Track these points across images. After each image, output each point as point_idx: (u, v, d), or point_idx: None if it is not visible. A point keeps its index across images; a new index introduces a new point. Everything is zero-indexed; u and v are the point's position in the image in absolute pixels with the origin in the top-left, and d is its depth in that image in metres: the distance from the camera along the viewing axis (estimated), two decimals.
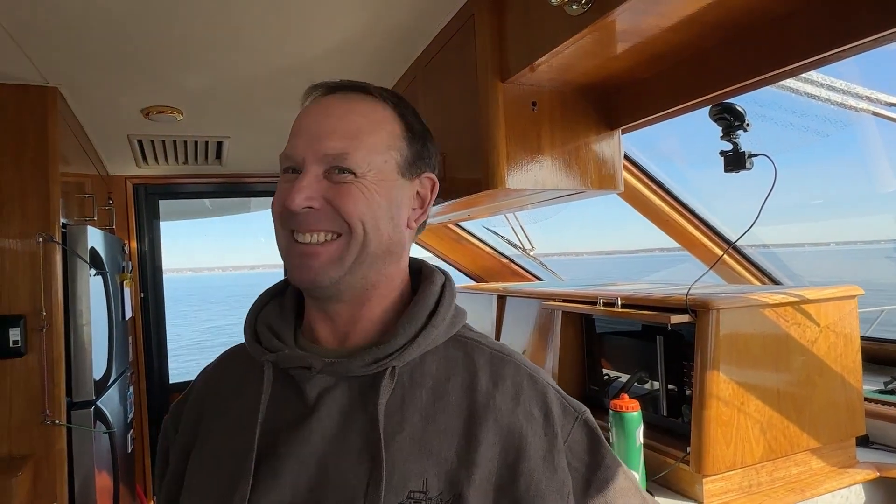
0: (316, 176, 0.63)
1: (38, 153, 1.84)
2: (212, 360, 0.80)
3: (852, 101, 1.41)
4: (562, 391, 0.69)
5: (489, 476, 0.60)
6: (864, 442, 1.59)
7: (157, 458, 0.79)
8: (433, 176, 0.72)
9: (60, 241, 1.86)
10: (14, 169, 1.82)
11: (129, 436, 2.59)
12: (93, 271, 2.00)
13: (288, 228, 0.65)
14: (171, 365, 3.47)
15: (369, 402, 0.62)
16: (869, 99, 1.39)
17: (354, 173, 0.63)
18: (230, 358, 0.77)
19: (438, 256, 3.33)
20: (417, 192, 0.70)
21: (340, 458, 0.60)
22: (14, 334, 1.75)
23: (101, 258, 2.15)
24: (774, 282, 2.17)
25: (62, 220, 1.90)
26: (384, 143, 0.66)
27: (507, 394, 0.65)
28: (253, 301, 0.75)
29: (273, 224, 0.67)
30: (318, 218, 0.63)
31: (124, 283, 2.64)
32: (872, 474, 1.44)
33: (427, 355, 0.66)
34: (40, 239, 1.81)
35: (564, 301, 1.87)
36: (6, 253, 1.79)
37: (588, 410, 0.69)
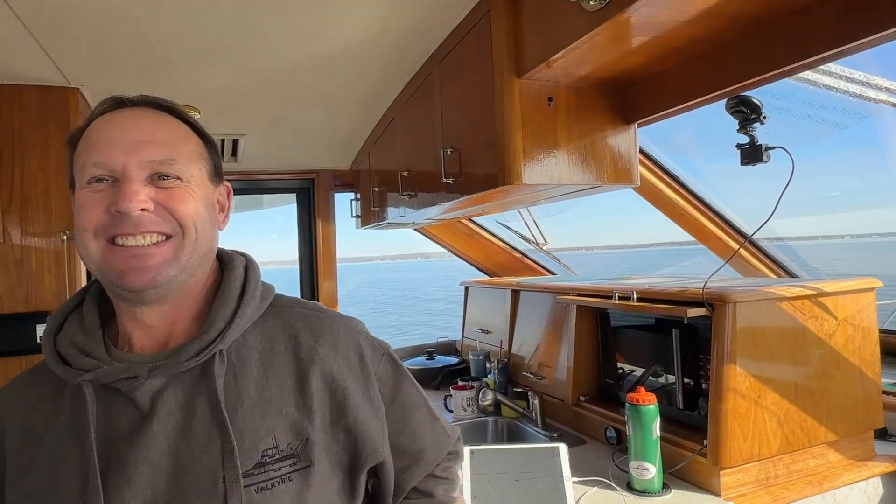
0: (141, 181, 0.66)
1: (62, 153, 1.88)
2: None
3: (871, 93, 1.40)
4: (370, 334, 0.81)
5: (324, 416, 0.70)
6: (882, 435, 1.59)
7: None
8: (229, 184, 0.80)
9: None
10: (38, 169, 1.86)
11: None
12: None
13: (105, 237, 0.66)
14: None
15: (205, 388, 0.67)
16: (888, 90, 1.38)
17: (181, 178, 0.69)
18: (25, 385, 0.71)
19: (452, 251, 3.34)
20: (217, 199, 0.77)
21: (191, 445, 0.64)
22: (40, 331, 1.79)
23: None
24: (791, 275, 2.16)
25: None
26: (195, 152, 0.72)
27: (328, 344, 0.74)
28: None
29: (78, 242, 0.68)
30: (151, 220, 0.66)
31: None
32: (891, 467, 1.43)
33: (247, 332, 0.72)
34: (64, 237, 1.85)
35: (579, 295, 1.88)
36: (32, 251, 1.83)
37: (390, 346, 0.82)
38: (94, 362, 0.66)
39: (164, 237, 0.67)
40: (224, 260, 0.78)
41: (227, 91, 2.07)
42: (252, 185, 3.61)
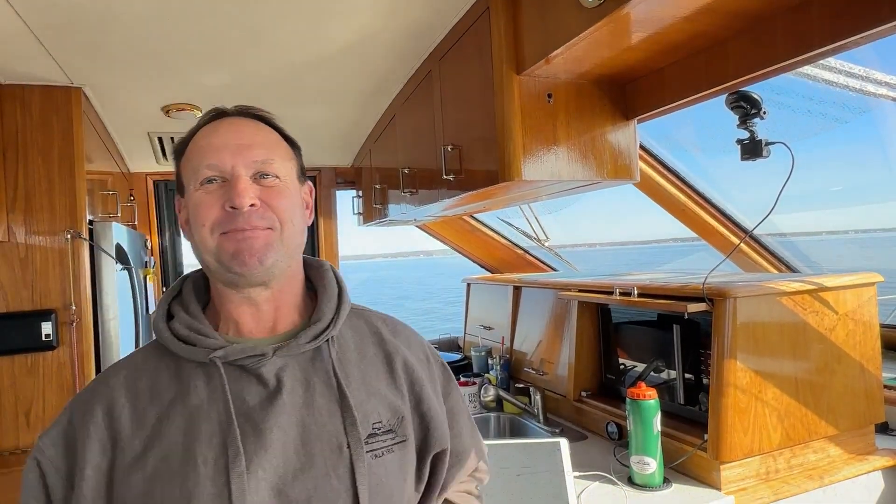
0: (248, 180, 0.74)
1: (65, 152, 1.89)
2: (90, 384, 0.77)
3: (871, 87, 1.40)
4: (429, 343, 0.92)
5: (409, 400, 0.80)
6: (883, 429, 1.59)
7: (32, 501, 0.72)
8: (311, 183, 0.88)
9: (87, 238, 1.91)
10: (42, 168, 1.87)
11: None
12: (118, 266, 2.06)
13: (219, 232, 0.73)
14: None
15: (320, 369, 0.76)
16: (888, 84, 1.38)
17: (278, 177, 0.77)
18: (129, 374, 0.75)
19: (453, 248, 3.35)
20: (304, 197, 0.84)
21: (315, 416, 0.72)
22: (46, 328, 1.81)
23: (125, 254, 2.21)
24: (792, 270, 2.16)
25: (88, 217, 1.95)
26: (287, 154, 0.81)
27: (404, 342, 0.86)
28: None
29: (195, 237, 0.75)
30: (258, 215, 0.74)
31: (147, 277, 2.70)
32: (892, 461, 1.44)
33: (342, 327, 0.82)
34: (68, 236, 1.86)
35: (580, 291, 1.88)
36: (37, 249, 1.85)
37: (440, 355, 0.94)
38: (217, 342, 0.74)
39: (268, 229, 0.74)
40: (308, 262, 0.86)
41: (228, 90, 2.08)
42: None
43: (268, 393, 0.72)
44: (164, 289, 3.36)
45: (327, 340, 0.77)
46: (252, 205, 0.73)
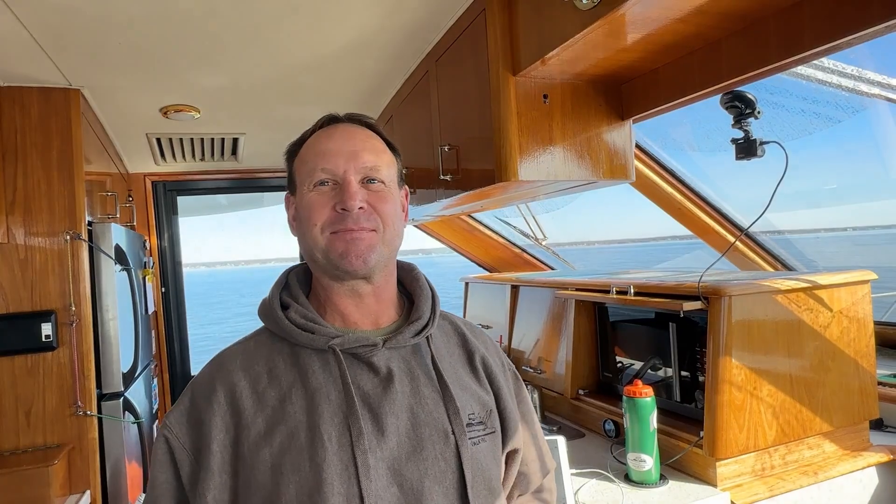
0: (357, 184, 0.81)
1: (64, 154, 1.90)
2: (207, 368, 0.82)
3: (864, 87, 1.41)
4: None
5: (491, 396, 0.86)
6: (878, 425, 1.61)
7: (162, 474, 0.76)
8: (407, 188, 0.93)
9: (87, 239, 1.92)
10: (41, 169, 1.88)
11: (154, 426, 2.67)
12: (118, 267, 2.07)
13: (329, 231, 0.80)
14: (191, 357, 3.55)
15: (420, 363, 0.82)
16: (881, 84, 1.39)
17: (384, 182, 0.83)
18: (245, 359, 0.80)
19: (451, 247, 3.36)
20: (402, 200, 0.90)
21: (422, 404, 0.79)
22: (46, 329, 1.82)
23: (124, 254, 2.21)
24: (787, 268, 2.17)
25: (87, 218, 1.96)
26: (390, 161, 0.87)
27: (483, 345, 0.92)
28: (265, 300, 0.85)
29: (307, 235, 0.81)
30: (365, 217, 0.80)
31: (146, 278, 2.71)
32: (886, 457, 1.45)
33: None
34: (68, 237, 1.87)
35: (577, 290, 1.89)
36: (36, 251, 1.86)
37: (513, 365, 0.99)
38: (334, 331, 0.80)
39: (372, 231, 0.81)
40: (399, 263, 0.92)
41: (226, 91, 2.09)
42: (252, 184, 3.63)
43: (380, 380, 0.78)
44: (163, 289, 3.37)
45: (427, 337, 0.84)
46: (360, 207, 0.79)
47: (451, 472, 0.76)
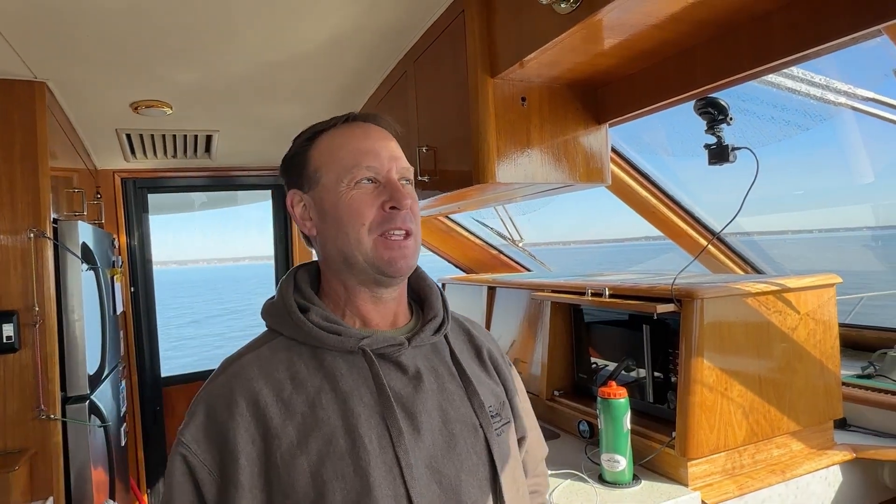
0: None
1: (27, 148, 1.83)
2: (220, 378, 0.76)
3: (831, 96, 1.45)
4: None
5: (501, 388, 0.89)
6: (842, 425, 1.65)
7: (182, 496, 0.71)
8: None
9: (52, 237, 1.86)
10: (2, 164, 1.81)
11: (122, 429, 2.60)
12: (84, 266, 2.01)
13: (378, 232, 0.78)
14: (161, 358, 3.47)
15: (441, 360, 0.83)
16: (847, 94, 1.43)
17: (413, 184, 0.83)
18: (263, 365, 0.76)
19: (429, 248, 3.35)
20: None
21: (450, 401, 0.79)
22: (7, 330, 1.75)
23: (91, 253, 2.15)
24: (757, 271, 2.22)
25: (52, 216, 1.90)
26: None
27: (486, 339, 0.95)
28: (275, 302, 0.82)
29: (349, 234, 0.78)
30: (409, 217, 0.80)
31: (115, 277, 2.64)
32: (849, 455, 1.49)
33: None
34: (31, 234, 1.81)
35: (553, 291, 1.91)
36: None
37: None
38: (361, 332, 0.78)
39: (409, 233, 0.80)
40: None
41: (200, 86, 2.05)
42: (226, 182, 3.57)
43: (408, 379, 0.77)
44: (133, 289, 3.29)
45: (445, 336, 0.84)
46: (409, 207, 0.79)
47: (482, 465, 0.77)
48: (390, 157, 0.80)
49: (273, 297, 0.84)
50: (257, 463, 0.70)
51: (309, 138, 0.83)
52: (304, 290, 0.82)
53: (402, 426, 0.73)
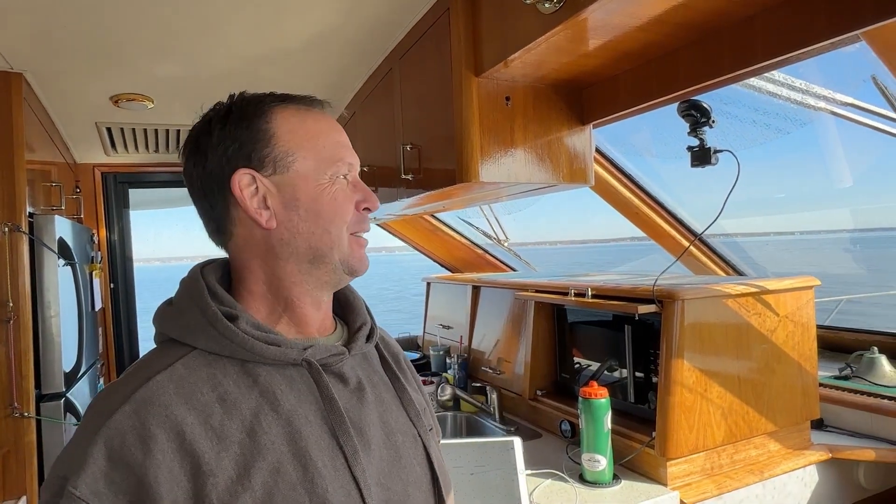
0: None
1: (2, 141, 1.79)
2: (125, 408, 0.60)
3: (811, 101, 1.47)
4: None
5: (420, 395, 0.85)
6: (818, 425, 1.67)
7: None
8: None
9: (27, 231, 1.82)
10: None
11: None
12: (61, 261, 1.97)
13: (352, 230, 0.73)
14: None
15: (372, 368, 0.78)
16: (826, 99, 1.45)
17: None
18: (184, 382, 0.63)
19: (414, 247, 3.34)
20: None
21: (389, 411, 0.75)
22: None
23: (69, 248, 2.11)
24: (738, 272, 2.24)
25: (29, 210, 1.86)
26: None
27: (398, 347, 0.89)
28: (182, 309, 0.68)
29: (329, 230, 0.71)
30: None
31: (94, 273, 2.59)
32: (825, 455, 1.51)
33: None
34: (6, 229, 1.76)
35: (537, 291, 1.91)
36: None
37: None
38: (301, 341, 0.70)
39: None
40: None
41: (182, 81, 2.02)
42: None
43: (351, 391, 0.72)
44: (112, 285, 3.23)
45: (376, 342, 0.80)
46: None
47: (425, 476, 0.75)
48: (354, 153, 0.76)
49: (172, 301, 0.71)
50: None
51: (262, 104, 0.71)
52: (221, 294, 0.69)
53: (356, 443, 0.67)
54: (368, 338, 0.78)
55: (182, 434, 0.60)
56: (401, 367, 0.85)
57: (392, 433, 0.73)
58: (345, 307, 0.81)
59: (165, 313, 0.70)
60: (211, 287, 0.69)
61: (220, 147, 0.69)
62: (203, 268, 0.72)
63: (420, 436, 0.76)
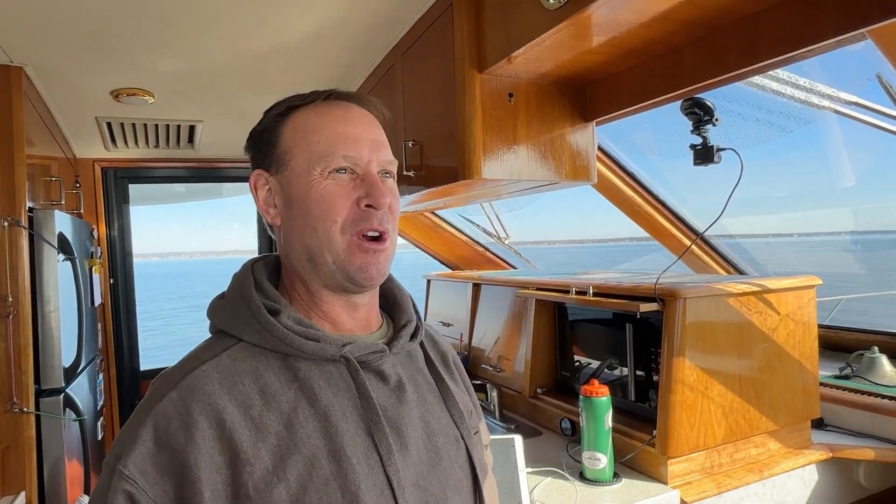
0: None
1: (2, 135, 1.78)
2: (171, 394, 0.63)
3: (815, 99, 1.46)
4: None
5: (467, 396, 0.84)
6: (819, 424, 1.67)
7: None
8: None
9: (27, 226, 1.81)
10: None
11: (99, 423, 2.56)
12: (61, 257, 1.96)
13: (352, 232, 0.69)
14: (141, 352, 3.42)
15: (416, 367, 0.77)
16: (830, 97, 1.44)
17: (394, 179, 0.75)
18: (228, 373, 0.65)
19: (414, 244, 3.33)
20: None
21: (431, 412, 0.74)
22: None
23: (69, 243, 2.10)
24: (739, 272, 2.24)
25: (28, 204, 1.85)
26: None
27: (448, 346, 0.88)
28: (232, 302, 0.71)
29: (318, 230, 0.69)
30: (387, 217, 0.71)
31: (93, 268, 2.59)
32: (825, 455, 1.51)
33: None
34: (6, 223, 1.76)
35: (538, 289, 1.90)
36: None
37: None
38: (341, 338, 0.70)
39: (384, 235, 0.71)
40: None
41: (183, 75, 2.01)
42: (210, 174, 3.52)
43: (391, 390, 0.71)
44: (112, 280, 3.23)
45: (420, 341, 0.79)
46: (387, 205, 0.71)
47: (465, 479, 0.73)
48: (372, 145, 0.71)
49: (224, 295, 0.73)
50: (224, 496, 0.60)
51: (281, 113, 0.73)
52: (267, 288, 0.71)
53: (391, 442, 0.66)
54: (413, 336, 0.76)
55: (223, 422, 0.62)
56: (448, 368, 0.83)
57: (433, 434, 0.72)
58: (392, 304, 0.81)
59: (217, 306, 0.72)
60: (258, 281, 0.71)
61: (249, 154, 0.76)
62: (255, 263, 0.75)
63: (463, 438, 0.74)
